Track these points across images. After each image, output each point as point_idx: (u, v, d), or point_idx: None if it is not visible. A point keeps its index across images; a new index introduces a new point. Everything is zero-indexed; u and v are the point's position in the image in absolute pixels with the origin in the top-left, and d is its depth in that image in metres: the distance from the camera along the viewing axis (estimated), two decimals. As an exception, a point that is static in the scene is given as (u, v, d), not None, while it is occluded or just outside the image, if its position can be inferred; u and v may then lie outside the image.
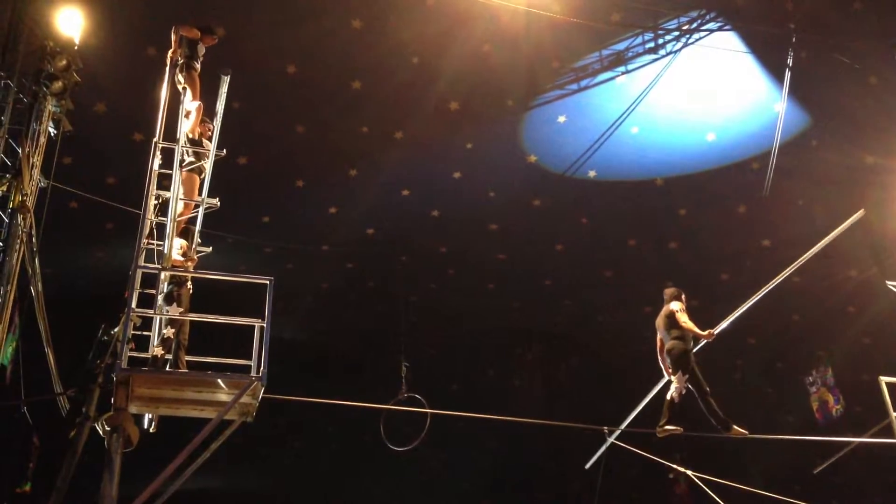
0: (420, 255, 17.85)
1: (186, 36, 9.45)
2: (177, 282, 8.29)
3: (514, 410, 14.86)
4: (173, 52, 9.47)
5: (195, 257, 8.85)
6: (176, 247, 8.61)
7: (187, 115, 9.21)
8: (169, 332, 7.97)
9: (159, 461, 7.04)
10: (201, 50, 9.55)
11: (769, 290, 10.94)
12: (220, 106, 8.79)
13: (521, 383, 21.35)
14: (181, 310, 8.04)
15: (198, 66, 9.43)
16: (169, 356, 7.91)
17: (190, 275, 8.39)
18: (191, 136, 9.12)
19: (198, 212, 9.04)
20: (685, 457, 15.97)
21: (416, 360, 17.88)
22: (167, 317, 8.00)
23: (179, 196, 8.77)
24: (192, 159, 9.05)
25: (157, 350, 7.91)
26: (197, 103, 9.22)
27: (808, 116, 15.32)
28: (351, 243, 17.37)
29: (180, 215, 8.85)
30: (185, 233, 8.94)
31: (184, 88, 9.44)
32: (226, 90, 8.66)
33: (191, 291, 8.43)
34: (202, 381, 7.52)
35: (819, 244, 11.00)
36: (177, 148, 8.90)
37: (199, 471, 7.67)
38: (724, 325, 10.74)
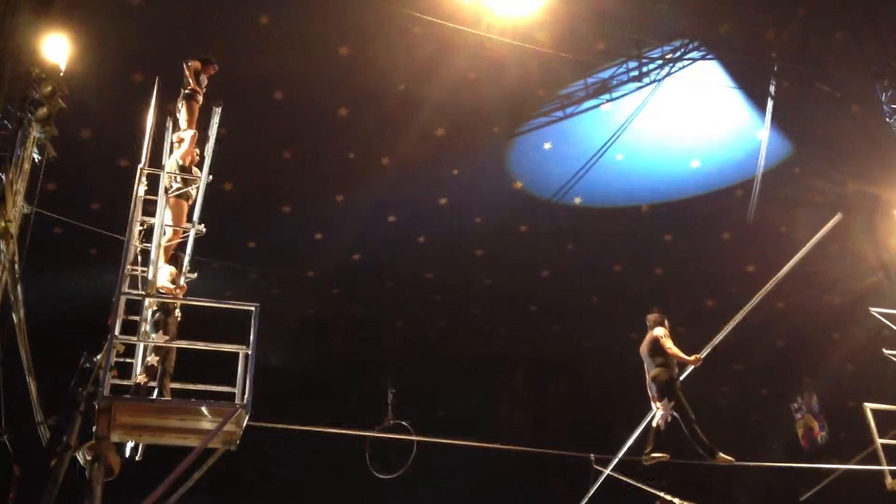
0: (406, 281, 17.83)
1: (193, 68, 9.59)
2: (165, 310, 8.25)
3: (501, 437, 14.78)
4: (193, 86, 9.58)
5: (184, 285, 8.82)
6: (165, 274, 8.59)
7: (180, 142, 9.25)
8: (153, 359, 7.91)
9: (141, 490, 6.95)
10: (203, 81, 9.70)
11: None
12: (212, 137, 8.84)
13: (508, 409, 21.26)
14: (166, 337, 7.99)
15: (200, 98, 9.54)
16: (153, 384, 7.85)
17: (175, 301, 8.35)
18: (181, 162, 9.15)
19: (187, 238, 9.03)
20: (671, 484, 15.92)
21: (402, 387, 17.81)
22: (151, 344, 7.95)
23: (167, 223, 8.76)
24: (179, 185, 9.05)
25: (140, 378, 7.85)
26: (192, 132, 9.28)
27: (791, 144, 15.48)
28: (337, 269, 17.33)
29: (169, 242, 8.85)
30: (175, 260, 8.93)
31: (171, 111, 9.49)
32: (217, 121, 8.72)
33: (179, 319, 8.38)
34: (185, 408, 7.45)
35: (802, 250, 10.91)
36: (162, 174, 8.90)
37: (182, 500, 7.58)
38: (709, 348, 10.68)
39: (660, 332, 10.51)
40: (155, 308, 8.28)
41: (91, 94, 12.59)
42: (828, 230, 10.89)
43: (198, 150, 9.30)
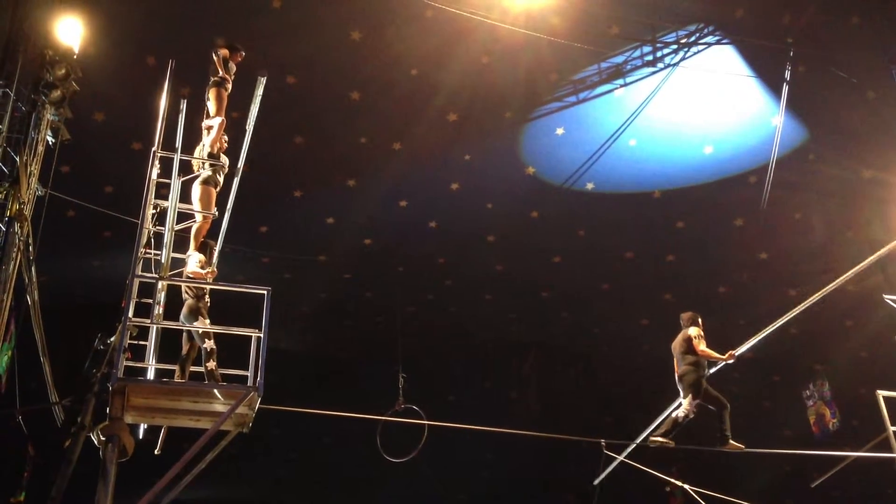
0: (418, 266, 17.84)
1: (222, 56, 9.64)
2: (197, 295, 8.30)
3: (512, 422, 14.82)
4: (223, 74, 9.59)
5: (215, 270, 8.88)
6: (195, 261, 8.71)
7: (208, 129, 9.29)
8: (210, 343, 7.99)
9: (155, 471, 7.01)
10: (232, 68, 9.75)
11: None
12: (255, 108, 8.88)
13: (519, 395, 21.31)
14: (208, 321, 8.09)
15: (229, 85, 9.59)
16: (212, 365, 7.90)
17: (187, 284, 8.38)
18: (209, 149, 9.21)
19: (210, 223, 9.10)
20: (682, 470, 15.93)
21: (413, 372, 17.85)
22: (200, 330, 7.99)
23: (196, 209, 8.83)
24: (208, 173, 9.11)
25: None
26: (220, 119, 9.34)
27: (806, 130, 15.36)
28: (348, 254, 17.36)
29: (198, 229, 8.91)
30: (204, 247, 9.00)
31: (184, 95, 9.51)
32: (261, 92, 8.76)
33: (208, 305, 8.43)
34: (199, 391, 7.50)
35: (856, 267, 10.96)
36: (175, 157, 8.93)
37: (194, 481, 7.64)
38: (744, 347, 10.70)
39: (693, 331, 10.55)
40: (185, 297, 8.31)
41: (104, 77, 12.61)
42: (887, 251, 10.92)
43: (226, 137, 9.36)
